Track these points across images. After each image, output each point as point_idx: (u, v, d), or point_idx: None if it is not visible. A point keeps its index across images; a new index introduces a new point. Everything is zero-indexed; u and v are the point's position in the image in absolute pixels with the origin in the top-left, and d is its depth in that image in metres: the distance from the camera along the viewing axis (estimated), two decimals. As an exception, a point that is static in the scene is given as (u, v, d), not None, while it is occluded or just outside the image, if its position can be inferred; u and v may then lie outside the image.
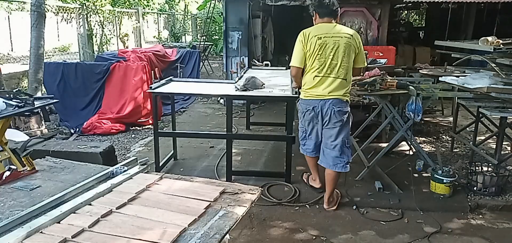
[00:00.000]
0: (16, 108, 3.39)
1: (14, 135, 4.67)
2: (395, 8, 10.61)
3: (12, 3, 11.39)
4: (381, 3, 7.49)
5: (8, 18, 13.92)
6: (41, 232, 1.60)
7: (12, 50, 14.23)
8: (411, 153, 4.84)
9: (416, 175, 4.48)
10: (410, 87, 4.20)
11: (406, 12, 15.12)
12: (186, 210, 1.80)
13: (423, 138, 5.86)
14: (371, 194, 4.03)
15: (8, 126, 3.71)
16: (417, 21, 16.98)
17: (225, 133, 4.24)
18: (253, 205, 1.95)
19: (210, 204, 1.87)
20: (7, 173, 2.18)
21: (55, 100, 3.90)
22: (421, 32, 14.10)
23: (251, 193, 2.01)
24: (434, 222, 3.59)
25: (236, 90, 4.19)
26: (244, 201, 1.93)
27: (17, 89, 3.88)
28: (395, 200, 3.93)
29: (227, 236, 1.86)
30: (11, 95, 3.50)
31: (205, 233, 1.62)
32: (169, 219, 1.71)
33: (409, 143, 4.68)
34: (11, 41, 14.52)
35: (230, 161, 4.21)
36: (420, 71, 6.31)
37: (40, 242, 1.53)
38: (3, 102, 3.32)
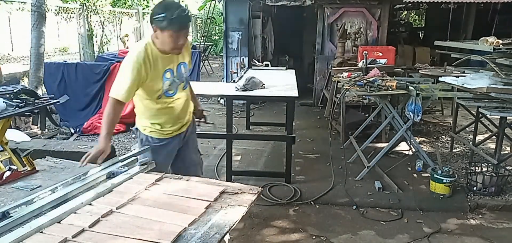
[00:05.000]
0: (17, 108, 3.40)
1: (15, 135, 4.68)
2: (395, 8, 10.61)
3: (12, 3, 11.38)
4: (381, 3, 7.49)
5: (9, 18, 13.91)
6: (41, 232, 1.60)
7: (12, 50, 14.22)
8: (410, 153, 4.85)
9: (415, 175, 4.48)
10: (410, 87, 4.21)
11: (406, 12, 15.11)
12: (186, 210, 1.80)
13: (423, 138, 5.87)
14: (371, 194, 4.04)
15: (8, 126, 3.71)
16: (417, 21, 16.96)
17: (225, 133, 4.24)
18: (253, 205, 1.95)
19: (210, 204, 1.87)
20: (8, 173, 2.19)
21: (55, 100, 3.89)
22: (420, 33, 14.09)
23: (251, 193, 2.02)
24: (433, 222, 3.59)
25: (236, 90, 4.20)
26: (244, 201, 1.93)
27: (20, 87, 3.87)
28: (395, 200, 3.93)
29: (227, 236, 1.86)
30: (12, 95, 3.51)
31: (205, 233, 1.62)
32: (169, 219, 1.71)
33: (409, 143, 4.69)
34: (11, 41, 14.50)
35: (230, 161, 4.21)
36: (419, 71, 6.32)
37: (40, 242, 1.54)
38: (4, 102, 3.33)
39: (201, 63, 10.84)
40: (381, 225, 3.57)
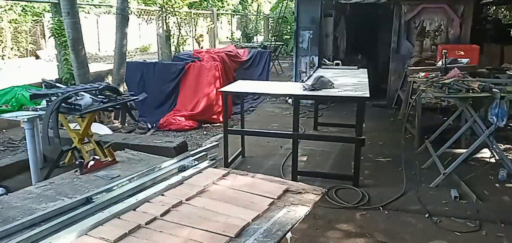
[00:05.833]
0: (101, 103, 3.71)
1: (99, 129, 5.10)
2: (480, 3, 9.83)
3: (100, 7, 12.40)
4: (464, -1, 7.00)
5: (97, 21, 15.18)
6: (119, 218, 1.74)
7: (99, 50, 15.51)
8: (493, 161, 4.47)
9: (498, 185, 4.13)
10: (494, 89, 3.88)
11: (494, 7, 13.91)
12: (250, 205, 1.85)
13: (508, 145, 5.37)
14: (446, 202, 3.80)
15: (93, 120, 4.07)
16: (508, 17, 15.54)
17: (291, 132, 4.25)
18: (316, 205, 1.94)
19: (273, 201, 1.90)
20: (92, 162, 2.41)
21: (135, 97, 4.18)
22: (511, 30, 12.89)
23: (315, 194, 2.01)
24: (518, 237, 3.28)
25: (303, 90, 4.18)
26: (308, 201, 1.93)
27: (104, 84, 4.22)
28: (472, 211, 3.65)
29: (289, 234, 1.88)
30: (97, 91, 3.84)
31: (267, 229, 1.65)
32: (234, 213, 1.77)
33: (491, 149, 4.33)
34: (98, 41, 15.83)
35: (295, 161, 4.21)
36: (507, 72, 5.79)
37: (117, 226, 1.68)
38: (90, 98, 3.66)
39: (271, 63, 10.94)
40: (456, 236, 3.34)
